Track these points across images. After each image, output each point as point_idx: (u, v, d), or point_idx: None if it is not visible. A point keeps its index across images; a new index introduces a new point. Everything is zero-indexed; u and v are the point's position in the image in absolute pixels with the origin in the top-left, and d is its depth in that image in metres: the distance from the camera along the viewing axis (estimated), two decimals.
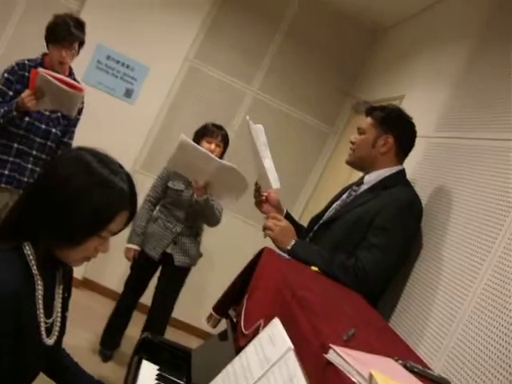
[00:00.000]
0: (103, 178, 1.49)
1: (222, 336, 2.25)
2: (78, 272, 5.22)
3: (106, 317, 4.14)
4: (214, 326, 2.39)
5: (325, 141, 5.47)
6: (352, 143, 2.66)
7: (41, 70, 3.26)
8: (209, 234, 4.36)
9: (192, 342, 2.56)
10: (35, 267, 1.48)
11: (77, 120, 3.76)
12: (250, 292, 2.14)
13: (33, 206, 1.48)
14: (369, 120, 2.61)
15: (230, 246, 5.16)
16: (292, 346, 1.41)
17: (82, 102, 3.74)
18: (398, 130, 2.56)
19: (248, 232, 5.09)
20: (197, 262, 4.08)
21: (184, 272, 4.00)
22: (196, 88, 5.36)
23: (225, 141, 3.95)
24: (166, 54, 5.19)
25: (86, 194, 1.47)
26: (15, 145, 3.49)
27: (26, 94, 3.30)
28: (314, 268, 2.27)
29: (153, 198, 4.00)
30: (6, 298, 1.37)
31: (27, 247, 1.47)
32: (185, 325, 5.03)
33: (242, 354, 1.62)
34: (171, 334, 3.96)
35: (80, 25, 3.58)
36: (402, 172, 2.58)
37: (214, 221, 3.96)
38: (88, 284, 5.33)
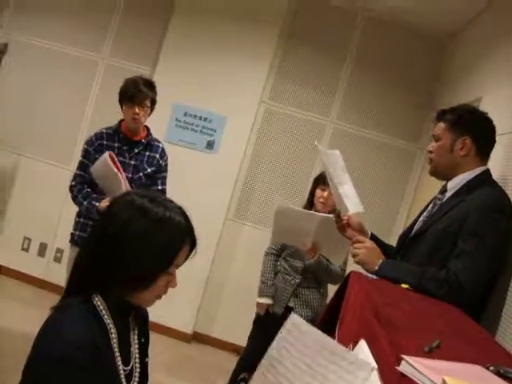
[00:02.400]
0: (159, 216, 1.51)
1: None
2: (187, 326, 5.29)
3: (220, 366, 4.11)
4: None
5: (413, 159, 5.31)
6: (430, 152, 2.56)
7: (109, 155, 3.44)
8: None
9: None
10: (106, 317, 1.49)
11: (164, 178, 3.88)
12: (341, 319, 2.07)
13: (97, 258, 1.51)
14: (442, 125, 2.49)
15: None
16: (375, 366, 1.34)
17: (166, 159, 3.86)
18: (473, 129, 2.42)
19: None
20: (321, 313, 3.88)
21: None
22: (275, 128, 5.41)
23: None
24: (241, 101, 5.27)
25: (147, 236, 1.49)
26: None
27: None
28: (404, 285, 2.17)
29: (274, 249, 3.94)
30: (84, 352, 1.38)
31: (96, 298, 1.50)
32: None
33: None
34: None
35: (149, 83, 3.73)
36: (486, 172, 2.43)
37: (334, 279, 3.77)
38: (199, 337, 5.38)
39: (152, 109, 3.80)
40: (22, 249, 5.66)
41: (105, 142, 3.68)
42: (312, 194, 3.86)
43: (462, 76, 4.33)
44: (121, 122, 3.77)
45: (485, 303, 2.32)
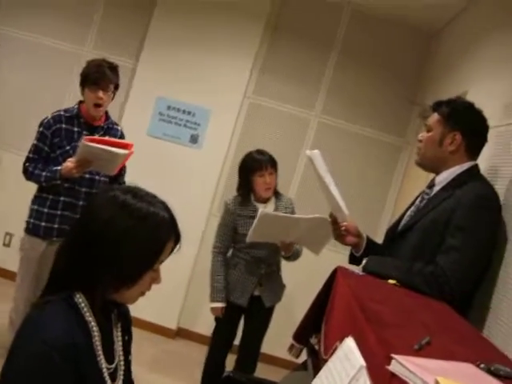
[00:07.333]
0: (143, 212, 1.47)
1: (306, 365, 2.15)
2: (171, 322, 5.24)
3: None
4: (297, 356, 2.28)
5: (398, 154, 5.29)
6: (419, 141, 2.53)
7: (85, 140, 3.24)
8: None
9: (280, 375, 2.45)
10: (88, 314, 1.45)
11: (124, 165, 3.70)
12: (327, 315, 2.03)
13: (79, 256, 1.46)
14: (435, 116, 2.45)
15: (306, 269, 4.78)
16: (364, 364, 1.31)
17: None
18: (465, 125, 2.38)
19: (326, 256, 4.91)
20: (282, 295, 3.89)
21: (271, 310, 3.83)
22: (260, 122, 5.35)
23: (273, 164, 3.69)
24: (225, 95, 5.21)
25: (132, 233, 1.45)
26: (62, 198, 3.50)
27: (71, 165, 3.30)
28: (391, 281, 2.14)
29: (222, 247, 3.79)
30: (62, 351, 1.34)
31: (78, 295, 1.45)
32: (271, 357, 4.89)
33: (317, 379, 1.52)
34: (260, 369, 3.86)
35: (114, 68, 3.57)
36: (475, 167, 2.41)
37: (295, 260, 3.80)
38: (183, 333, 5.33)
39: (115, 93, 3.65)
40: (4, 244, 5.59)
41: (63, 126, 3.51)
42: (246, 182, 3.71)
43: (447, 70, 4.31)
44: (80, 104, 3.61)
45: (471, 299, 2.30)
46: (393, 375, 1.05)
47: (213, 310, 3.76)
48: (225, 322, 3.80)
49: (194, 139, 5.24)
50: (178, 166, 5.21)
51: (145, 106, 5.20)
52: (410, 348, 1.24)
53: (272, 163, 3.69)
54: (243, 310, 3.77)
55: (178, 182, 5.06)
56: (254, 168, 3.65)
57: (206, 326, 5.30)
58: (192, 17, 5.21)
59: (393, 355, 1.06)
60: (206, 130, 5.25)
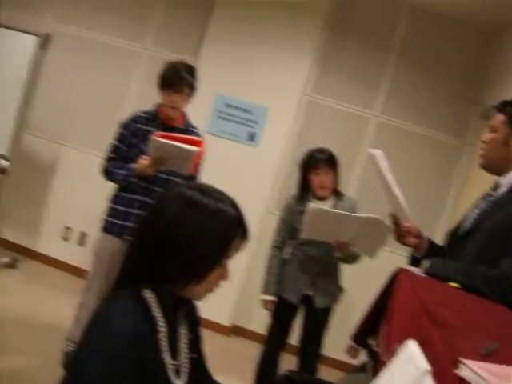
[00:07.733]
0: (211, 209, 1.47)
1: (364, 367, 2.13)
2: (226, 319, 5.27)
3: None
4: (355, 357, 2.26)
5: (460, 155, 5.20)
6: (483, 142, 2.47)
7: (154, 136, 3.29)
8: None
9: (338, 377, 2.43)
10: (156, 310, 1.46)
11: (199, 165, 3.73)
12: (388, 317, 2.01)
13: (147, 252, 1.47)
14: (500, 117, 2.39)
15: (364, 270, 4.81)
16: (429, 368, 1.28)
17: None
18: None
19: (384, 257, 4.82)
20: (339, 298, 3.81)
21: (327, 312, 3.76)
22: (318, 121, 5.34)
23: (331, 163, 3.66)
24: (283, 92, 5.22)
25: (200, 230, 1.45)
26: (138, 197, 3.55)
27: (145, 163, 3.37)
28: (453, 284, 2.10)
29: (280, 242, 3.80)
30: (130, 344, 1.36)
31: (146, 291, 1.47)
32: (329, 359, 4.83)
33: (377, 381, 1.50)
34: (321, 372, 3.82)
35: (190, 70, 3.61)
36: None
37: (355, 263, 3.73)
38: (238, 330, 5.36)
39: (192, 94, 3.69)
40: (63, 238, 5.73)
41: (141, 126, 3.58)
42: (304, 180, 3.71)
43: (511, 70, 4.20)
44: (159, 106, 3.67)
45: None
46: (461, 380, 1.03)
47: (263, 302, 3.79)
48: (277, 320, 3.80)
49: (251, 137, 5.27)
50: (235, 163, 5.24)
51: (204, 104, 5.25)
52: (476, 353, 1.21)
53: (329, 162, 3.66)
54: (295, 308, 3.76)
55: (235, 180, 5.08)
56: (310, 166, 3.66)
57: (261, 323, 5.33)
58: (251, 13, 5.25)
59: (462, 359, 1.04)
60: (263, 128, 5.26)
